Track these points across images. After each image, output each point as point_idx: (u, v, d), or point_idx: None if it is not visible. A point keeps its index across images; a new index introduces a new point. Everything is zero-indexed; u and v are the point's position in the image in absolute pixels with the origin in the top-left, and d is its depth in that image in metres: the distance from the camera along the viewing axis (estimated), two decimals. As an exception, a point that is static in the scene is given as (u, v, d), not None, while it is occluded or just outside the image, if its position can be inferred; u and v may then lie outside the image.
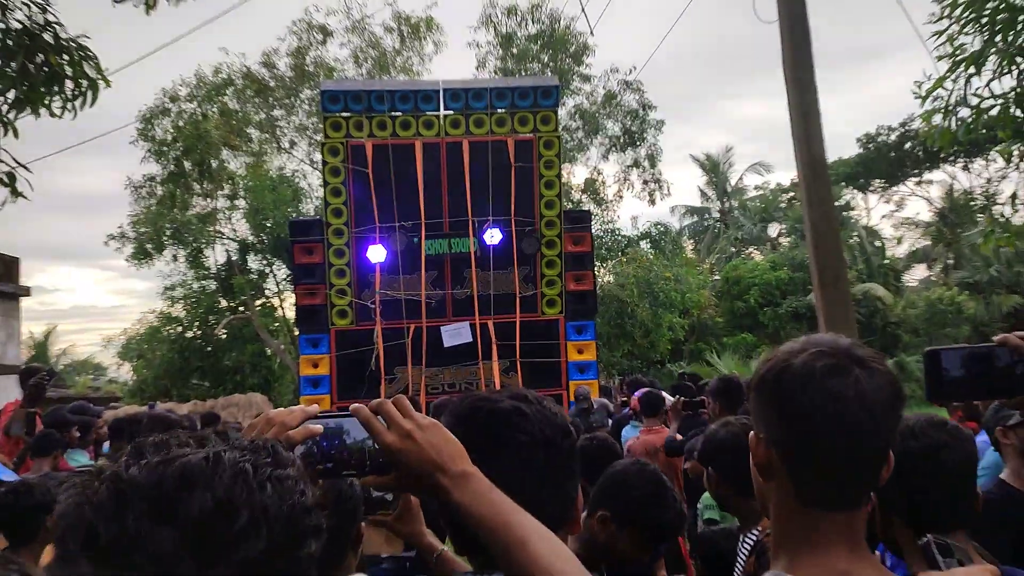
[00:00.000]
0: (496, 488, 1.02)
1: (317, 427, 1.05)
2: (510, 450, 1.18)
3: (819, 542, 1.06)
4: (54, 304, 67.87)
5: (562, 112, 21.27)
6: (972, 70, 6.87)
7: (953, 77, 7.01)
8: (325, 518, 0.79)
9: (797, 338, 1.14)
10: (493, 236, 8.33)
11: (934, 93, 7.17)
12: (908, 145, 28.66)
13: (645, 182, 22.84)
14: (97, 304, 73.36)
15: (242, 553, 0.67)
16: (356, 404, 1.07)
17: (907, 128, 28.05)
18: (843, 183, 29.42)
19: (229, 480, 0.70)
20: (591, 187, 22.84)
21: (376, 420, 1.04)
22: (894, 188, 31.93)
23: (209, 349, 22.67)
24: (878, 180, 31.36)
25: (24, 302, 14.45)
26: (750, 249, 32.23)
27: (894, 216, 32.30)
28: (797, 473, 1.08)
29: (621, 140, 22.39)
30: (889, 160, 29.60)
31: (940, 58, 7.09)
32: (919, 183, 31.32)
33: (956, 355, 1.40)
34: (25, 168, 4.00)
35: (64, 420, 5.47)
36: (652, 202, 23.17)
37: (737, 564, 2.51)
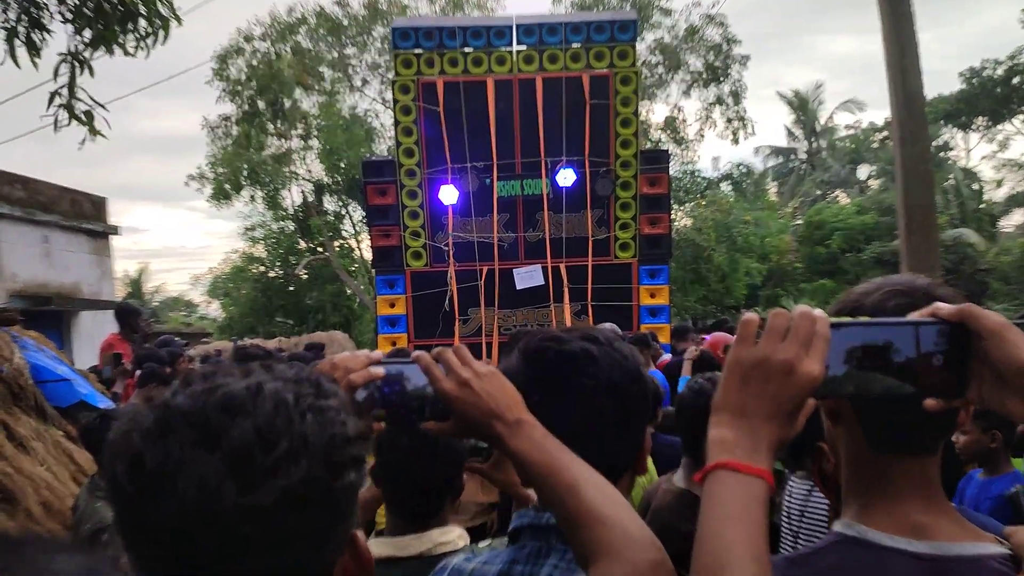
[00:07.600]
0: (551, 435, 1.03)
1: (378, 370, 1.08)
2: (575, 393, 1.16)
3: (891, 491, 1.01)
4: (145, 244, 71.19)
5: (641, 47, 20.59)
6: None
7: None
8: (365, 450, 0.80)
9: (874, 278, 1.09)
10: (566, 177, 8.15)
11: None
12: (1016, 80, 26.61)
13: (728, 120, 22.00)
14: (185, 244, 76.63)
15: (281, 480, 0.69)
16: (417, 351, 1.08)
17: (1016, 61, 26.04)
18: (941, 121, 27.71)
19: (270, 409, 0.71)
20: (671, 125, 22.18)
21: (436, 367, 1.07)
22: (998, 127, 29.86)
23: (291, 288, 23.32)
24: (981, 118, 29.34)
25: (116, 241, 15.07)
26: (837, 192, 30.92)
27: (996, 157, 30.35)
28: (866, 416, 1.02)
29: (703, 76, 21.55)
30: (994, 96, 27.56)
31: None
32: (1026, 120, 29.21)
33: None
34: (102, 107, 4.08)
35: (154, 354, 5.83)
36: (735, 141, 22.32)
37: (783, 506, 2.53)
